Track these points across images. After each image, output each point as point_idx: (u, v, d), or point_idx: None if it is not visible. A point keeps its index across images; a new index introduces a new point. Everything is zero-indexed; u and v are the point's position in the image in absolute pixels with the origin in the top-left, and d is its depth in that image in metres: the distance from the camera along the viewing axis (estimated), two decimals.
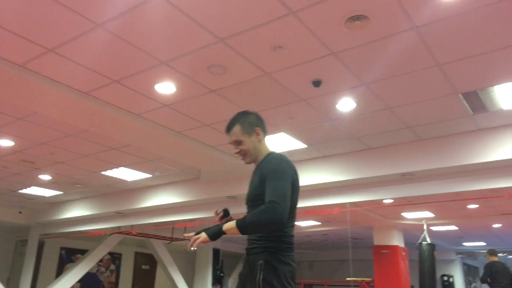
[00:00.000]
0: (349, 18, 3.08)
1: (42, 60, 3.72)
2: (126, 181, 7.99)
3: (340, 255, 16.36)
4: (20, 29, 3.30)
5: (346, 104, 4.51)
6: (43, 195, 9.18)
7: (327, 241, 14.17)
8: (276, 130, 5.27)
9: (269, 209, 1.87)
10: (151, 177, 7.63)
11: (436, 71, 3.80)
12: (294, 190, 2.05)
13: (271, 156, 2.15)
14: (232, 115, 2.28)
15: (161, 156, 6.32)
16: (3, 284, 9.55)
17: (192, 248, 2.00)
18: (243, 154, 2.21)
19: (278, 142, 5.67)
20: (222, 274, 13.82)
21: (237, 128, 2.19)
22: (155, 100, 4.51)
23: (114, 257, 14.35)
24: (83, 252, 12.37)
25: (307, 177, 6.28)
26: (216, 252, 13.87)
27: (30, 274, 11.14)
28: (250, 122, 2.22)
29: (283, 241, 2.02)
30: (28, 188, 8.65)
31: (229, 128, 2.22)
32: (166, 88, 4.22)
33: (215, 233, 1.98)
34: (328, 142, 5.70)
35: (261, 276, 1.93)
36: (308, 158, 6.30)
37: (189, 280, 13.41)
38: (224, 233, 1.96)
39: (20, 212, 10.84)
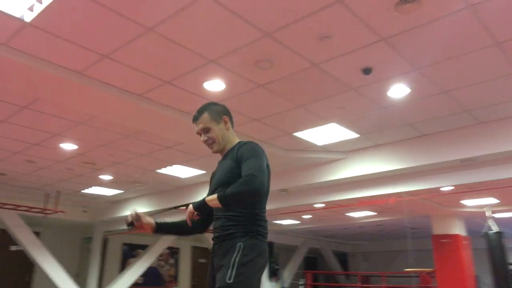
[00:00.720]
0: (399, 1, 2.97)
1: (98, 66, 3.91)
2: (180, 178, 8.23)
3: (396, 246, 15.95)
4: (76, 37, 3.49)
5: (398, 91, 4.37)
6: (105, 194, 9.68)
7: (382, 231, 13.85)
8: (326, 120, 5.21)
9: (247, 180, 1.86)
10: (204, 173, 7.82)
11: (495, 50, 3.58)
12: (268, 174, 2.03)
13: (243, 142, 2.13)
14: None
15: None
16: (73, 279, 10.21)
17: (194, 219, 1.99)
18: (211, 141, 2.17)
19: (329, 133, 5.61)
20: (277, 267, 13.92)
21: (205, 116, 2.17)
22: (205, 98, 4.60)
23: (173, 252, 14.87)
24: (144, 247, 12.94)
25: (359, 167, 6.17)
26: (270, 245, 13.97)
27: (96, 269, 11.82)
28: (218, 111, 2.21)
29: (262, 225, 2.02)
30: (90, 188, 9.16)
31: (197, 117, 2.19)
32: (215, 85, 4.29)
33: (199, 205, 1.97)
34: (380, 131, 5.55)
35: (239, 257, 1.88)
36: (360, 147, 6.18)
37: None
38: (207, 204, 1.94)
39: (84, 211, 11.50)
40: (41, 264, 9.68)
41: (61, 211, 9.54)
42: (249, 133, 5.63)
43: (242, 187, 1.86)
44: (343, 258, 18.25)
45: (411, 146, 5.73)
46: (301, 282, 13.81)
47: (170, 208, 2.18)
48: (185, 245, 15.21)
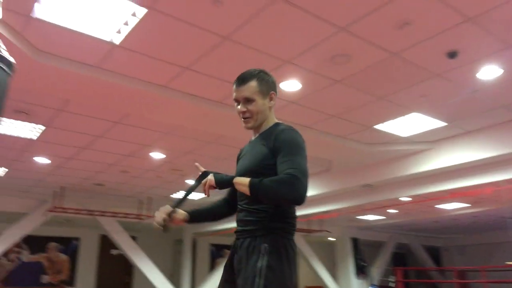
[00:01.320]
0: None
1: (180, 78, 4.12)
2: None
3: (495, 238, 14.73)
4: (159, 53, 3.71)
5: (489, 72, 4.03)
6: (192, 198, 10.13)
7: (477, 223, 12.87)
8: (407, 110, 4.97)
9: (291, 182, 1.56)
10: None
11: None
12: None
13: (283, 126, 1.81)
14: (246, 71, 1.90)
15: None
16: (168, 280, 10.84)
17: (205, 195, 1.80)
18: (249, 116, 1.84)
19: (413, 123, 5.34)
20: (364, 264, 13.58)
21: (253, 84, 1.82)
22: (281, 98, 4.63)
23: None
24: (230, 247, 13.35)
25: (449, 157, 5.80)
26: (355, 241, 13.68)
27: (188, 270, 12.46)
28: (268, 83, 1.87)
29: (290, 222, 1.74)
30: (178, 193, 9.66)
31: (243, 80, 1.84)
32: (291, 85, 4.30)
33: (223, 181, 1.73)
34: (471, 117, 5.17)
35: (265, 262, 1.62)
36: (448, 136, 5.81)
37: (331, 272, 13.48)
38: (232, 184, 1.71)
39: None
40: (140, 266, 10.41)
41: (154, 216, 10.17)
42: (327, 129, 5.56)
43: (282, 188, 1.57)
44: (435, 253, 17.25)
45: (508, 130, 5.26)
46: (391, 279, 13.31)
47: (190, 192, 1.87)
48: None
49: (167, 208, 1.85)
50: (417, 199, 8.14)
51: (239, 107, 1.85)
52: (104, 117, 5.10)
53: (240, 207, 1.85)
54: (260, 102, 1.83)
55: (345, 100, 4.67)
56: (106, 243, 12.18)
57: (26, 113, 4.94)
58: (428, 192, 6.76)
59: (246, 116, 1.85)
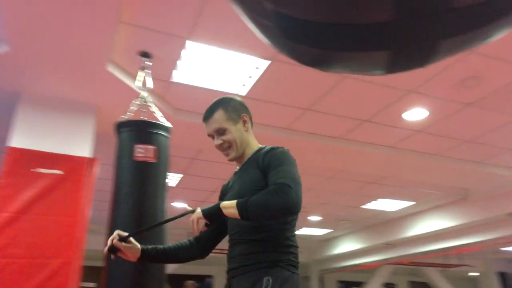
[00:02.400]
0: None
1: (302, 119, 4.25)
2: (387, 211, 7.99)
3: None
4: (280, 98, 3.89)
5: None
6: (315, 234, 10.09)
7: None
8: None
9: (281, 190, 1.43)
10: (414, 204, 7.41)
11: None
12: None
13: (268, 147, 1.68)
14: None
15: (421, 181, 6.10)
16: None
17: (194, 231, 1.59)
18: (227, 146, 1.71)
19: None
20: None
21: (219, 114, 1.71)
22: (405, 128, 4.45)
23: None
24: (358, 284, 12.80)
25: None
26: (503, 276, 12.03)
27: None
28: (235, 107, 1.75)
29: (293, 253, 1.56)
30: (301, 229, 9.69)
31: (208, 115, 1.73)
32: (416, 114, 4.13)
33: (211, 212, 1.53)
34: None
35: None
36: None
37: None
38: (221, 211, 1.51)
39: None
40: None
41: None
42: (461, 155, 5.14)
43: (271, 198, 1.43)
44: None
45: None
46: None
47: (163, 223, 1.64)
48: (401, 280, 14.40)
49: (122, 233, 1.65)
50: None
51: (215, 141, 1.74)
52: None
53: (234, 240, 1.65)
54: (233, 129, 1.71)
55: (479, 123, 4.31)
56: None
57: None
58: None
59: (225, 147, 1.71)
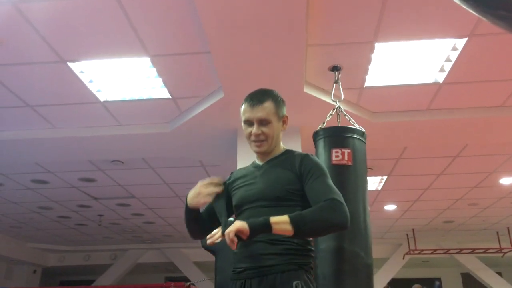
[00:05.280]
0: None
1: None
2: None
3: None
4: (487, 75, 3.48)
5: None
6: None
7: None
8: None
9: (338, 209, 1.46)
10: None
11: None
12: None
13: (301, 153, 1.68)
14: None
15: None
16: None
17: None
18: (264, 138, 1.63)
19: None
20: None
21: (270, 105, 1.65)
22: None
23: None
24: None
25: None
26: None
27: None
28: (282, 105, 1.71)
29: (312, 256, 1.60)
30: None
31: (258, 102, 1.63)
32: None
33: (258, 227, 1.39)
34: None
35: None
36: None
37: None
38: (270, 228, 1.39)
39: None
40: None
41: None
42: None
43: (332, 216, 1.45)
44: None
45: None
46: None
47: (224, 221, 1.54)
48: None
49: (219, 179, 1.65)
50: None
51: (250, 128, 1.65)
52: (442, 154, 5.07)
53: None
54: (276, 125, 1.67)
55: None
56: (469, 281, 11.51)
57: (371, 169, 5.51)
58: None
59: (261, 139, 1.64)
